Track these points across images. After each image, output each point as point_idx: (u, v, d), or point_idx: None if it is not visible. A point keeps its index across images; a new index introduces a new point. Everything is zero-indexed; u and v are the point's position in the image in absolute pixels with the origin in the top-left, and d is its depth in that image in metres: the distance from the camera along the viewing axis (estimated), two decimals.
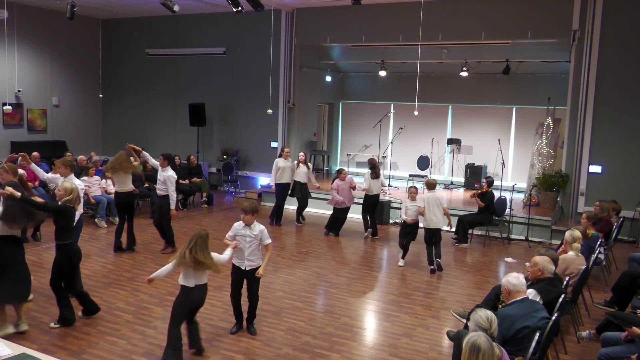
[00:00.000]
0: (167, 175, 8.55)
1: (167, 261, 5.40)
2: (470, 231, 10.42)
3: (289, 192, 11.28)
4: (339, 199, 10.32)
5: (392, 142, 14.67)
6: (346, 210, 10.55)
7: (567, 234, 6.56)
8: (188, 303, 5.21)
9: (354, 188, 10.47)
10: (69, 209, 5.73)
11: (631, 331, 4.76)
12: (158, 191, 8.78)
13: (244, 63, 14.61)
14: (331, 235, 10.57)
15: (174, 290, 7.15)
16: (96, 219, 10.52)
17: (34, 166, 7.60)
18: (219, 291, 7.19)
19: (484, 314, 3.84)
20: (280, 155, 11.30)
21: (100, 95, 15.78)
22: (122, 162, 8.62)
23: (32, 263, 8.09)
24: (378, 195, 10.50)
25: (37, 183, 10.79)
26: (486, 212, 10.19)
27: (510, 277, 4.61)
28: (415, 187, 8.86)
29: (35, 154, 11.85)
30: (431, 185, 8.59)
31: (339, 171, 10.55)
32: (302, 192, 11.20)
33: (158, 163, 8.73)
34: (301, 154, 11.33)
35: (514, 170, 14.09)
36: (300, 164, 11.10)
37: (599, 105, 10.96)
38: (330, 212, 10.81)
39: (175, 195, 8.68)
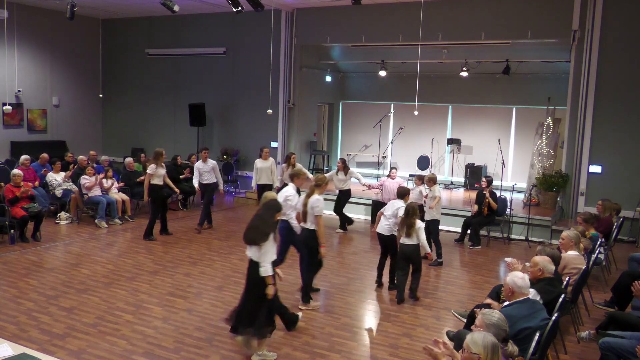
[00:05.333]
0: (213, 165, 10.42)
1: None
2: (467, 231, 10.37)
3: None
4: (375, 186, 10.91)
5: (392, 142, 14.67)
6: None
7: (572, 233, 6.52)
8: None
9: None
10: None
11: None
12: (206, 181, 10.37)
13: (244, 63, 14.61)
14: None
15: (174, 290, 7.17)
16: (96, 220, 10.50)
17: None
18: (219, 291, 7.19)
19: (498, 315, 3.83)
20: (260, 156, 11.13)
21: (100, 95, 15.79)
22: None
23: (32, 263, 8.13)
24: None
25: (36, 183, 10.80)
26: (492, 211, 10.15)
27: (516, 278, 4.56)
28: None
29: (44, 155, 11.90)
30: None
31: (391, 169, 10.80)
32: None
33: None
34: (292, 155, 11.17)
35: (514, 170, 14.09)
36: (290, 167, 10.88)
37: (599, 105, 10.96)
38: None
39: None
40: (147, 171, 9.69)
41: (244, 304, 5.33)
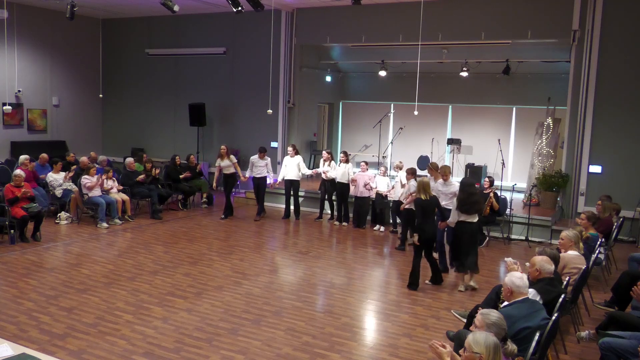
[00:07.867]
0: (268, 161, 11.70)
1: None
2: None
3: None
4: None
5: (392, 142, 14.67)
6: (363, 199, 11.39)
7: (571, 233, 6.52)
8: None
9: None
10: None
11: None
12: (258, 174, 11.68)
13: (244, 63, 14.61)
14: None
15: (174, 290, 7.17)
16: (97, 224, 10.48)
17: None
18: (219, 291, 7.19)
19: (497, 315, 3.86)
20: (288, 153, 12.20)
21: (100, 95, 15.77)
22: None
23: (32, 263, 8.14)
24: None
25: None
26: (494, 211, 10.15)
27: (514, 278, 4.56)
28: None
29: (44, 155, 11.90)
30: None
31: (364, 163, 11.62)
32: (327, 188, 11.89)
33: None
34: (324, 153, 12.00)
35: (514, 170, 14.09)
36: (325, 162, 11.82)
37: (599, 105, 10.96)
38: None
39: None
40: (216, 165, 11.89)
41: (466, 252, 7.43)
